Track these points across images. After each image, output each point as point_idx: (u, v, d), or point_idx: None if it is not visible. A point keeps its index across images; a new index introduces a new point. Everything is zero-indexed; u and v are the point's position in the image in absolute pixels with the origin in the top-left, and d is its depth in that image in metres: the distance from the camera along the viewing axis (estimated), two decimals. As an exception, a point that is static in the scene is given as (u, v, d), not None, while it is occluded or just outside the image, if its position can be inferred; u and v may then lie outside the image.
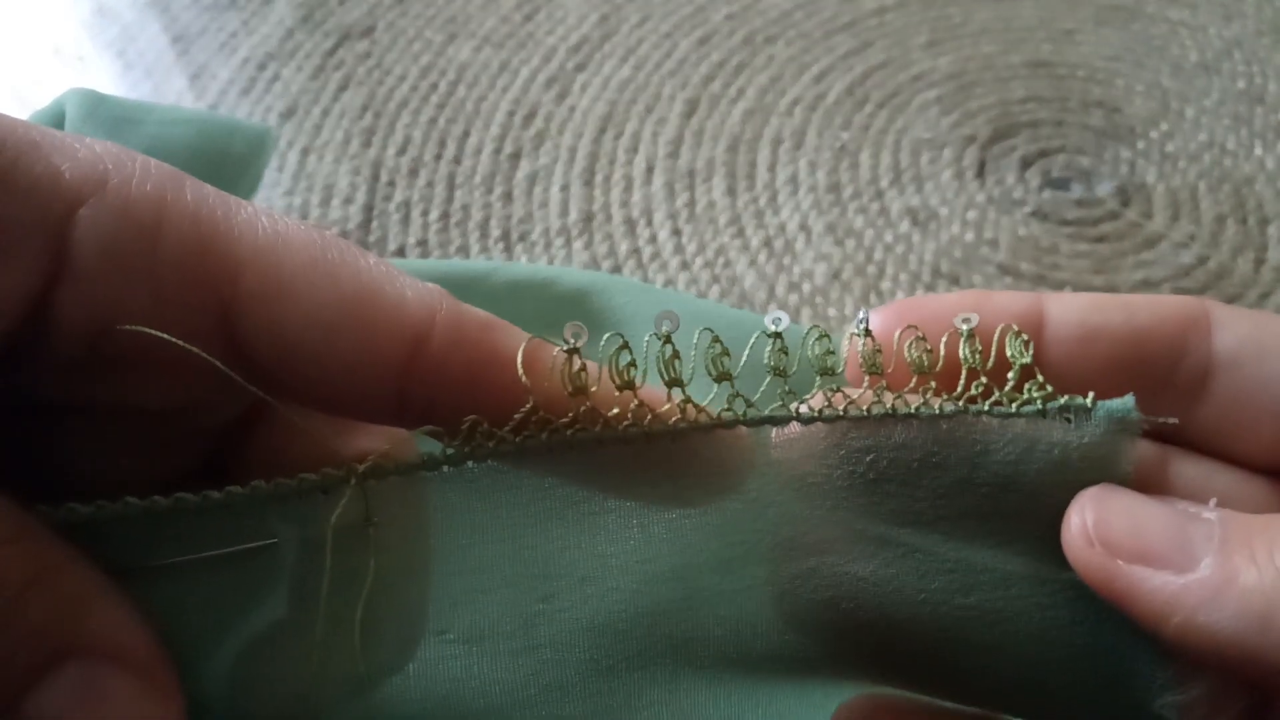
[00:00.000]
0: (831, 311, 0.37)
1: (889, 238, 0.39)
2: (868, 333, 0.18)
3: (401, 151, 0.43)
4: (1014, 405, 0.18)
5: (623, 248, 0.39)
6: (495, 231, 0.40)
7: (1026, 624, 0.17)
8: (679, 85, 0.45)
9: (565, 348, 0.17)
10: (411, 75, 0.46)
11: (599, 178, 0.42)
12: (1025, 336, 0.18)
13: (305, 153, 0.43)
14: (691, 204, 0.41)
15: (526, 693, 0.18)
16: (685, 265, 0.39)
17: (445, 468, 0.17)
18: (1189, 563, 0.16)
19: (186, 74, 0.47)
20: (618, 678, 0.18)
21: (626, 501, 0.18)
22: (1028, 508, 0.18)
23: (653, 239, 0.40)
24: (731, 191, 0.41)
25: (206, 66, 0.47)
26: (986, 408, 0.18)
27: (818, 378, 0.18)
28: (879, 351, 0.18)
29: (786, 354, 0.18)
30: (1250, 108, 0.44)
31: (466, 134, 0.44)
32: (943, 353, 0.18)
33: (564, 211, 0.41)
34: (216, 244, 0.16)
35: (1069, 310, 0.19)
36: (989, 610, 0.17)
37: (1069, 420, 0.18)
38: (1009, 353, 0.18)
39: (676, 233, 0.40)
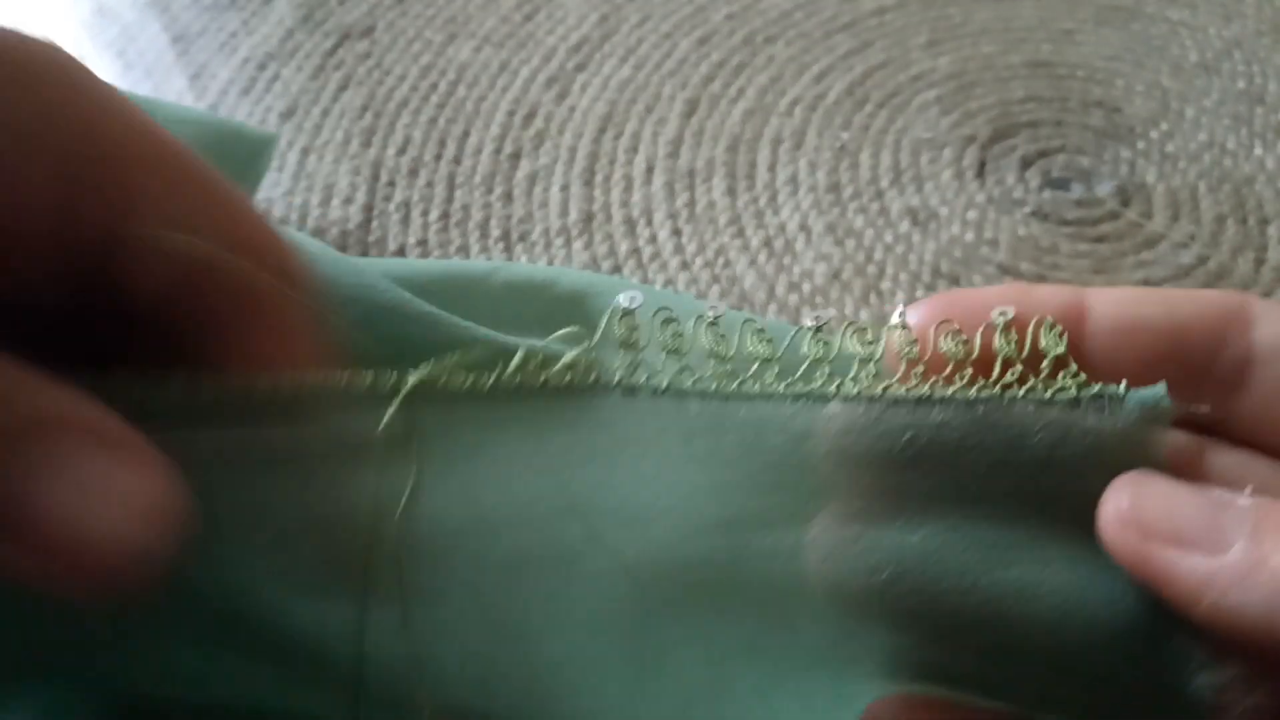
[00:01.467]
0: (831, 312, 0.37)
1: (889, 238, 0.39)
2: (905, 325, 0.19)
3: (401, 151, 0.43)
4: (1048, 393, 0.18)
5: (623, 248, 0.39)
6: (495, 231, 0.40)
7: (1064, 600, 0.18)
8: (679, 85, 0.45)
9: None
10: (411, 75, 0.46)
11: (599, 178, 0.42)
12: (1059, 328, 0.19)
13: (305, 153, 0.43)
14: (691, 204, 0.41)
15: (563, 624, 0.18)
16: (685, 265, 0.39)
17: (496, 394, 0.18)
18: (1221, 546, 0.16)
19: (186, 74, 0.47)
20: (654, 625, 0.18)
21: (675, 451, 0.18)
22: (1065, 490, 0.18)
23: (653, 239, 0.40)
24: (731, 191, 0.41)
25: (206, 66, 0.47)
26: (1021, 394, 0.18)
27: (856, 364, 0.19)
28: (915, 341, 0.19)
29: (827, 344, 0.19)
30: (1250, 108, 0.44)
31: (466, 134, 0.44)
32: (978, 344, 0.19)
33: (564, 211, 0.41)
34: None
35: (1110, 304, 0.19)
36: (1028, 585, 0.18)
37: (1102, 408, 0.18)
38: (1043, 343, 0.19)
39: (676, 233, 0.40)
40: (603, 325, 0.19)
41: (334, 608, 0.18)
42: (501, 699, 0.19)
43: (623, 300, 0.19)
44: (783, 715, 0.20)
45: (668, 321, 0.19)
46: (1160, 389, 0.18)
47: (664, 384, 0.19)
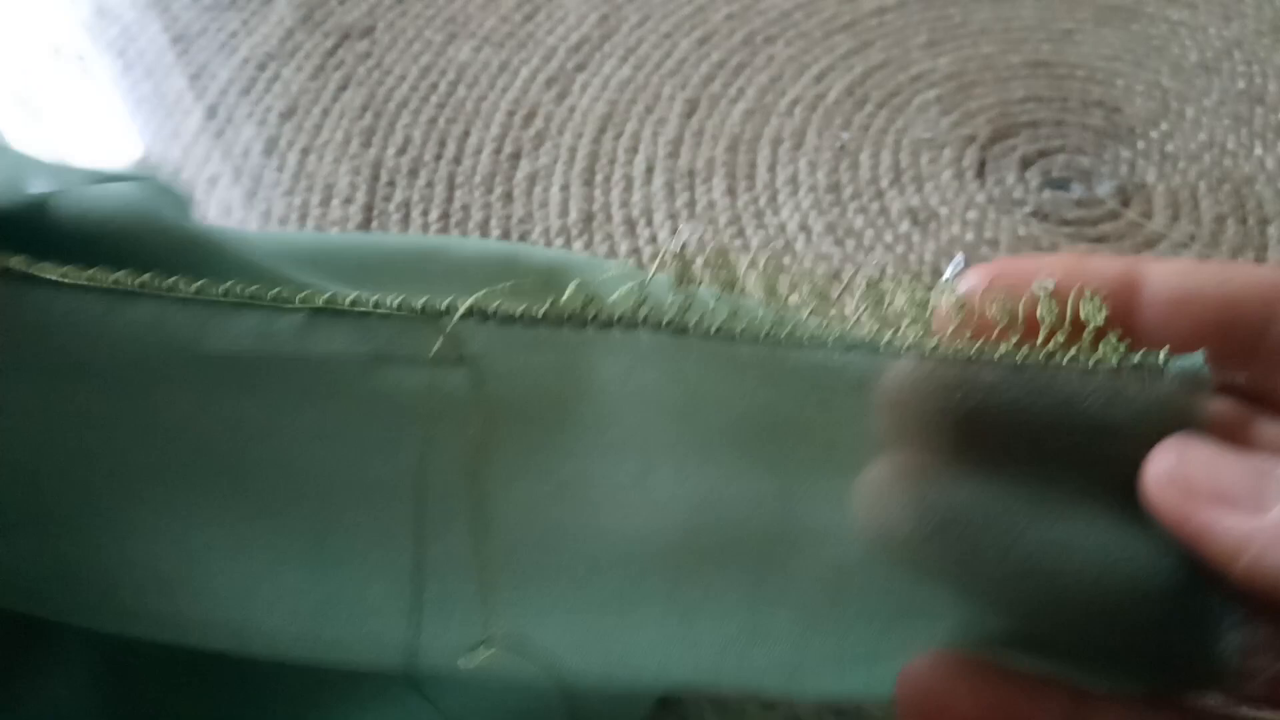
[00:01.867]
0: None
1: (889, 238, 0.39)
2: (956, 287, 0.19)
3: (401, 151, 0.43)
4: (1091, 361, 0.19)
5: (623, 248, 0.39)
6: (495, 231, 0.40)
7: (1104, 558, 0.18)
8: (679, 85, 0.45)
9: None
10: (411, 75, 0.46)
11: (599, 178, 0.42)
12: (1099, 300, 0.19)
13: (305, 153, 0.43)
14: (691, 204, 0.41)
15: (613, 560, 0.18)
16: (685, 265, 0.39)
17: (547, 321, 0.18)
18: (1262, 507, 0.16)
19: (186, 74, 0.47)
20: (698, 568, 0.18)
21: (725, 392, 0.19)
22: (1110, 455, 0.18)
23: (653, 239, 0.40)
24: (731, 191, 0.41)
25: (206, 66, 0.47)
26: (1064, 362, 0.19)
27: (905, 321, 0.19)
28: (964, 303, 0.19)
29: (878, 298, 0.19)
30: (1250, 108, 0.44)
31: (466, 134, 0.44)
32: (1022, 312, 0.19)
33: (564, 211, 0.41)
34: None
35: (1164, 275, 0.19)
36: (1070, 541, 0.18)
37: (1143, 377, 0.19)
38: (1083, 314, 0.19)
39: (676, 233, 0.40)
40: (656, 264, 0.19)
41: (388, 538, 0.18)
42: (556, 632, 0.19)
43: (681, 236, 0.19)
44: (817, 666, 0.20)
45: (721, 264, 0.19)
46: (1198, 358, 0.18)
47: (714, 326, 0.19)
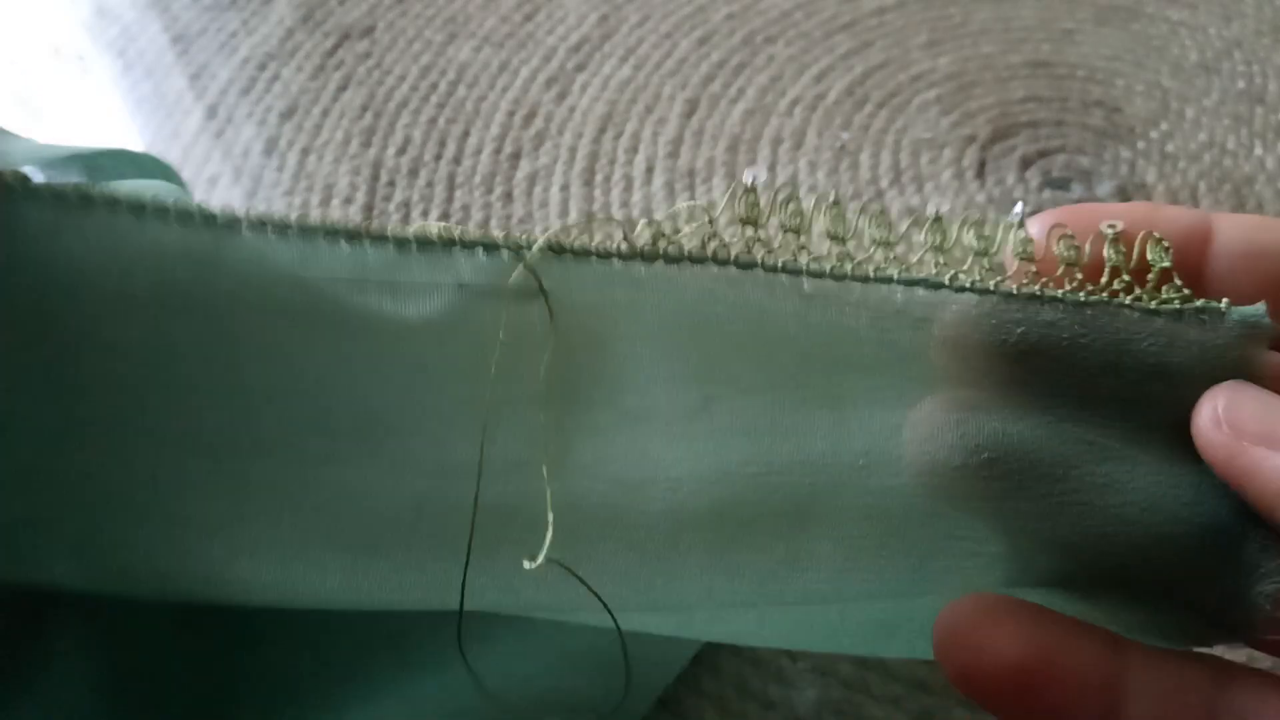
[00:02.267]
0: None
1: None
2: (1022, 224, 0.20)
3: (401, 151, 0.43)
4: (1154, 303, 0.19)
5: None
6: (495, 231, 0.40)
7: (1148, 497, 0.18)
8: (679, 85, 0.45)
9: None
10: (411, 75, 0.46)
11: (599, 178, 0.42)
12: (1166, 243, 0.19)
13: (305, 153, 0.43)
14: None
15: (674, 480, 0.19)
16: (685, 265, 0.39)
17: (624, 262, 0.19)
18: None
19: (186, 74, 0.47)
20: (748, 492, 0.19)
21: (788, 326, 0.19)
22: (1166, 397, 0.19)
23: (653, 239, 0.40)
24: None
25: (206, 66, 0.47)
26: (1128, 302, 0.19)
27: (971, 258, 0.19)
28: (1030, 241, 0.19)
29: (944, 234, 0.20)
30: (1250, 108, 0.44)
31: (466, 134, 0.44)
32: (1088, 251, 0.19)
33: (564, 211, 0.41)
34: None
35: (1236, 228, 0.20)
36: (1116, 480, 0.18)
37: (1204, 322, 0.19)
38: (1149, 256, 0.19)
39: (677, 232, 0.40)
40: (723, 201, 0.20)
41: (455, 465, 0.19)
42: (605, 559, 0.19)
43: (746, 177, 0.20)
44: (855, 597, 0.20)
45: (788, 200, 0.20)
46: (1260, 307, 0.19)
47: (779, 261, 0.19)
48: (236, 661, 0.24)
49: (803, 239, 0.20)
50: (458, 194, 0.41)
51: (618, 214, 0.41)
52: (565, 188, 0.42)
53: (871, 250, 0.20)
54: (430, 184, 0.42)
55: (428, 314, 0.18)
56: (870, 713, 0.27)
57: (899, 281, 0.20)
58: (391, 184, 0.42)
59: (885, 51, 0.47)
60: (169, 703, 0.23)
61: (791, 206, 0.20)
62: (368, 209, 0.41)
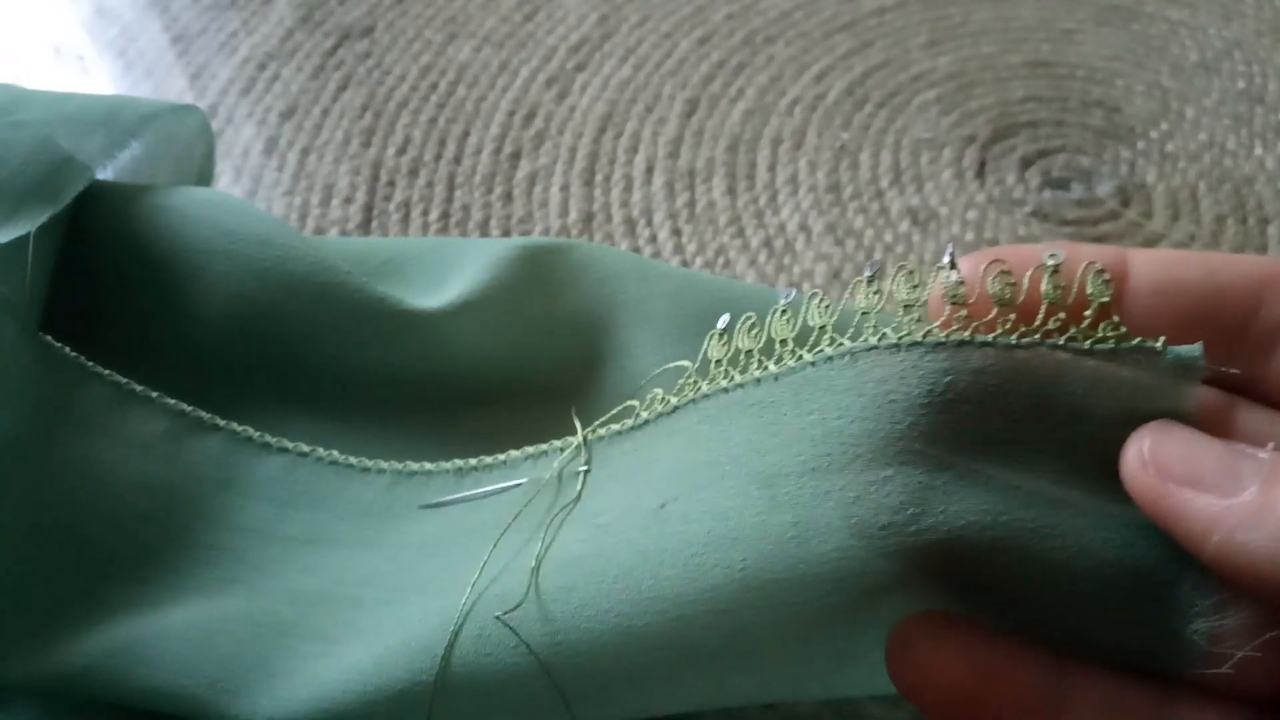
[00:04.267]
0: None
1: (889, 238, 0.39)
2: (954, 266, 0.19)
3: (401, 151, 0.43)
4: (1088, 342, 0.19)
5: (623, 247, 0.39)
6: (495, 231, 0.40)
7: (1079, 541, 0.18)
8: (679, 85, 0.45)
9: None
10: (411, 75, 0.46)
11: (599, 178, 0.42)
12: (1107, 275, 0.19)
13: (305, 153, 0.43)
14: (691, 204, 0.41)
15: (638, 561, 0.21)
16: (685, 265, 0.39)
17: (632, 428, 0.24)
18: (1235, 489, 0.16)
19: (186, 74, 0.47)
20: (706, 570, 0.20)
21: (736, 423, 0.21)
22: (1095, 440, 0.19)
23: (653, 239, 0.40)
24: (731, 191, 0.41)
25: (206, 66, 0.47)
26: (1062, 342, 0.19)
27: (900, 310, 0.20)
28: (962, 284, 0.19)
29: (879, 293, 0.20)
30: (1250, 108, 0.44)
31: (466, 134, 0.44)
32: (1025, 287, 0.19)
33: (564, 211, 0.41)
34: None
35: (1151, 265, 0.20)
36: (1044, 525, 0.18)
37: (1138, 361, 0.19)
38: (1089, 290, 0.19)
39: (676, 233, 0.40)
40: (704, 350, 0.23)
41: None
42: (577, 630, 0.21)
43: (720, 324, 0.23)
44: (804, 660, 0.22)
45: (725, 333, 0.23)
46: (1197, 348, 0.18)
47: (732, 383, 0.22)
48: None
49: (764, 356, 0.22)
50: (458, 194, 0.41)
51: (617, 214, 0.41)
52: (565, 188, 0.42)
53: (813, 337, 0.21)
54: (430, 184, 0.42)
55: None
56: (870, 712, 0.27)
57: (831, 359, 0.20)
58: (391, 184, 0.42)
59: (885, 51, 0.47)
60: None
61: (727, 341, 0.23)
62: (368, 209, 0.41)
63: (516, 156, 0.43)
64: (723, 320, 0.23)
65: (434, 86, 0.46)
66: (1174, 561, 0.18)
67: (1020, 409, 0.19)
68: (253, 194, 0.42)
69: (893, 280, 0.20)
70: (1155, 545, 0.18)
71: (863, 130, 0.43)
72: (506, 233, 0.40)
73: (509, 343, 0.27)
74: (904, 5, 0.49)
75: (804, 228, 0.40)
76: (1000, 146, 0.43)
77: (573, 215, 0.41)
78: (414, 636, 0.22)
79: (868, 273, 0.20)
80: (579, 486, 0.23)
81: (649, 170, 0.42)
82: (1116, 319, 0.19)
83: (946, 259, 0.19)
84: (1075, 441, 0.19)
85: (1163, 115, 0.44)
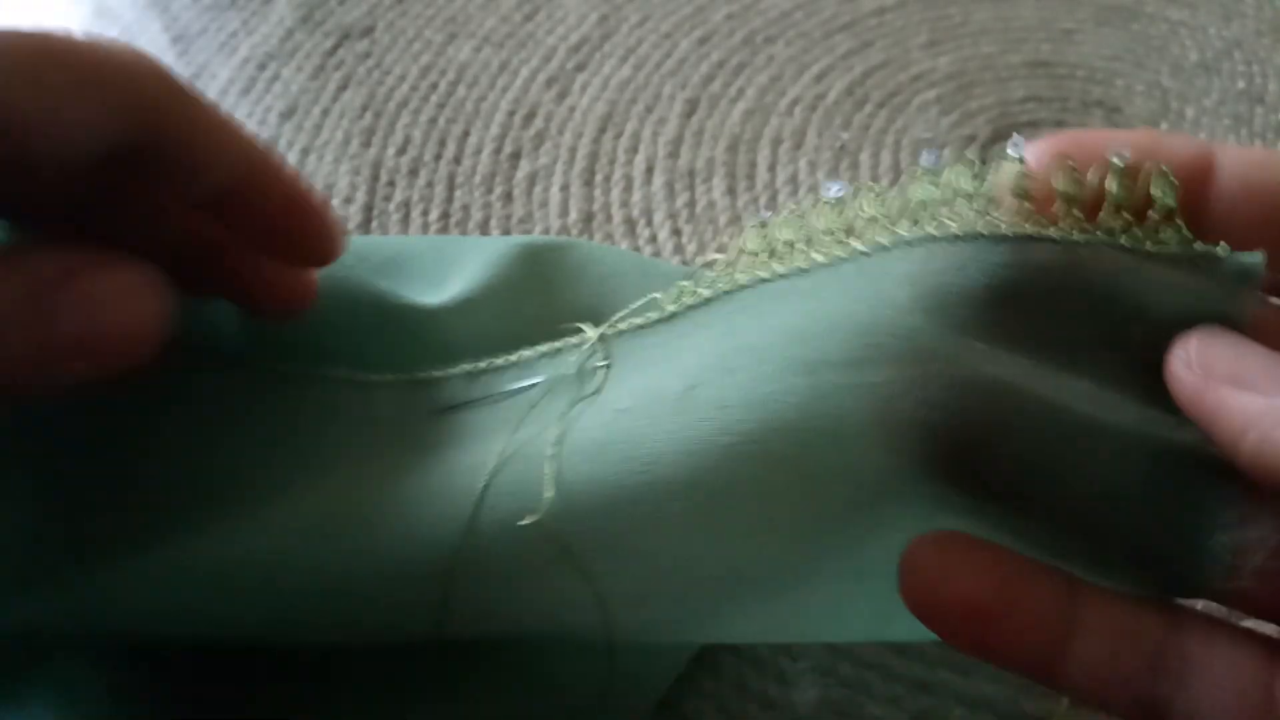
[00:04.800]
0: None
1: (889, 238, 0.40)
2: (1021, 159, 0.19)
3: (401, 151, 0.43)
4: (1149, 244, 0.18)
5: (623, 247, 0.39)
6: (495, 231, 0.40)
7: (1114, 446, 0.18)
8: (679, 85, 0.45)
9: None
10: (411, 75, 0.46)
11: (599, 178, 0.42)
12: (1172, 178, 0.18)
13: (305, 153, 0.43)
14: (691, 204, 0.41)
15: (664, 446, 0.20)
16: (685, 264, 0.39)
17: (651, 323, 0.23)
18: (1277, 389, 0.16)
19: (186, 74, 0.47)
20: (730, 465, 0.19)
21: (766, 309, 0.21)
22: (1145, 344, 0.18)
23: (653, 239, 0.40)
24: (731, 191, 0.41)
25: (206, 66, 0.47)
26: (1124, 242, 0.18)
27: (961, 200, 0.19)
28: (1027, 176, 0.19)
29: (936, 185, 0.19)
30: (1250, 108, 0.44)
31: (466, 134, 0.44)
32: (1091, 183, 0.19)
33: (564, 211, 0.41)
34: None
35: (1238, 162, 0.19)
36: (1084, 431, 0.18)
37: (1198, 266, 0.18)
38: (1154, 192, 0.18)
39: (676, 232, 0.40)
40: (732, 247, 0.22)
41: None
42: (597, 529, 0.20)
43: (756, 217, 0.22)
44: (830, 556, 0.21)
45: (762, 225, 0.22)
46: (1258, 256, 0.18)
47: (774, 273, 0.21)
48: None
49: (799, 247, 0.21)
50: (458, 194, 0.41)
51: (617, 214, 0.41)
52: (565, 188, 0.42)
53: (865, 226, 0.21)
54: (430, 184, 0.42)
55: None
56: (870, 712, 0.27)
57: (885, 249, 0.20)
58: (391, 184, 0.42)
59: (885, 51, 0.47)
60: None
61: (765, 232, 0.21)
62: (368, 209, 0.41)
63: (516, 156, 0.43)
64: (763, 215, 0.22)
65: (434, 86, 0.46)
66: (1205, 473, 0.18)
67: (1076, 308, 0.18)
68: (253, 194, 0.42)
69: (953, 173, 0.20)
70: (1189, 456, 0.18)
71: (863, 130, 0.43)
72: (506, 232, 0.40)
73: (509, 340, 0.27)
74: (904, 5, 0.49)
75: (804, 228, 0.40)
76: (1000, 146, 0.43)
77: (573, 215, 0.41)
78: (429, 523, 0.21)
79: (926, 163, 0.20)
80: (600, 381, 0.22)
81: (649, 170, 0.42)
82: (1180, 223, 0.18)
83: (1012, 150, 0.19)
84: (1126, 344, 0.19)
85: (1163, 115, 0.44)
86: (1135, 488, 0.18)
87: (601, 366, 0.23)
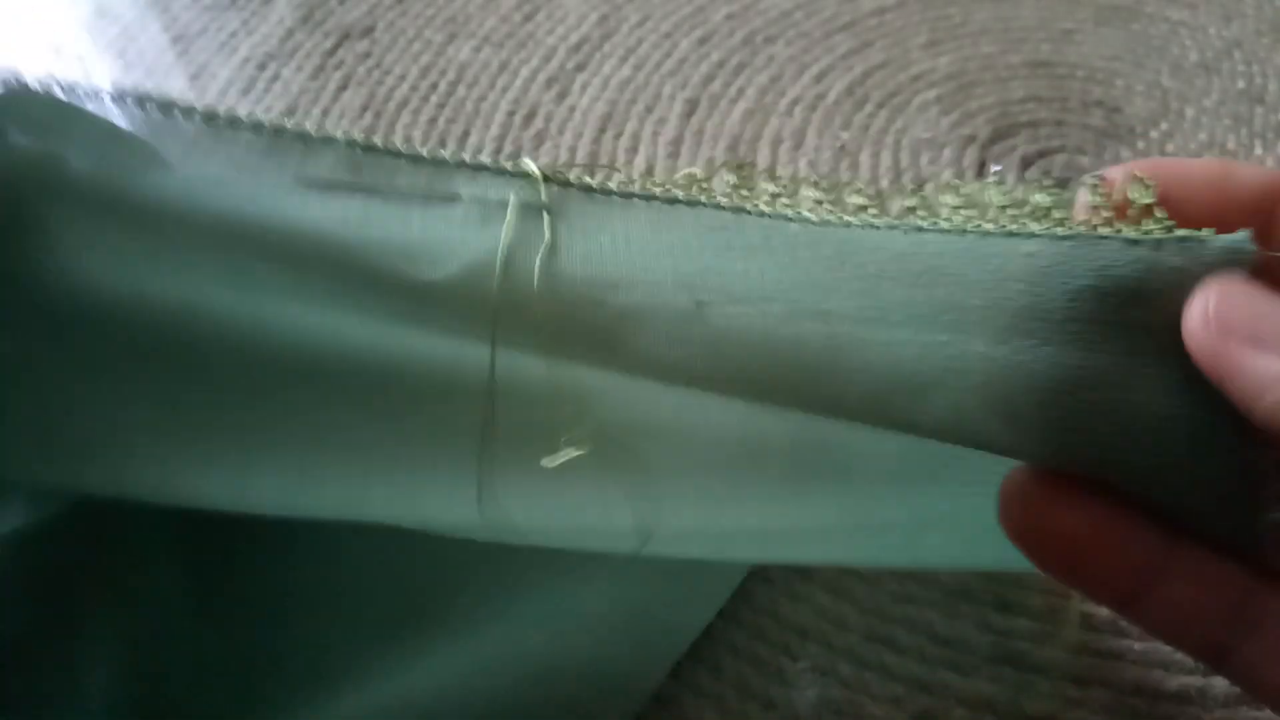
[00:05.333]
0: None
1: (889, 238, 0.40)
2: (1001, 180, 0.20)
3: (401, 151, 0.43)
4: (1136, 234, 0.19)
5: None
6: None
7: (1147, 415, 0.19)
8: (679, 85, 0.45)
9: None
10: (411, 75, 0.46)
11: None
12: (1151, 183, 0.19)
13: (305, 153, 0.43)
14: (691, 204, 0.41)
15: (684, 370, 0.19)
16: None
17: (622, 199, 0.21)
18: None
19: (186, 74, 0.47)
20: (741, 394, 0.19)
21: (782, 255, 0.20)
22: (1151, 321, 0.19)
23: (653, 239, 0.40)
24: (731, 191, 0.41)
25: (206, 66, 0.47)
26: (1108, 232, 0.19)
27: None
28: (1105, 191, 0.20)
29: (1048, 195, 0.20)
30: (1250, 108, 0.44)
31: (466, 134, 0.44)
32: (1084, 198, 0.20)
33: (564, 211, 0.41)
34: None
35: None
36: (1106, 401, 0.19)
37: (1188, 250, 0.19)
38: (1130, 195, 0.19)
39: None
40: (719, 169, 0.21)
41: (467, 349, 0.20)
42: (619, 433, 0.20)
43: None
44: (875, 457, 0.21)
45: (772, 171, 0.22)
46: (1243, 234, 0.18)
47: (765, 209, 0.21)
48: (263, 643, 0.25)
49: (789, 200, 0.21)
50: (458, 194, 0.41)
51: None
52: (565, 188, 0.42)
53: (855, 202, 0.22)
54: (430, 184, 0.42)
55: (456, 229, 0.21)
56: (871, 712, 0.27)
57: (881, 228, 0.21)
58: (391, 184, 0.42)
59: (885, 51, 0.47)
60: (199, 688, 0.24)
61: (779, 179, 0.21)
62: (368, 209, 0.41)
63: (516, 156, 0.43)
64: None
65: (434, 86, 0.46)
66: (1235, 438, 0.18)
67: (1074, 289, 0.19)
68: (253, 194, 0.42)
69: (1025, 189, 0.21)
70: (1215, 408, 0.18)
71: (863, 130, 0.43)
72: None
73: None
74: (904, 5, 0.49)
75: (804, 228, 0.40)
76: (1000, 146, 0.43)
77: (573, 215, 0.41)
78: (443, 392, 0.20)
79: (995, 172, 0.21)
80: (545, 231, 0.20)
81: (649, 170, 0.42)
82: (1162, 214, 0.19)
83: (993, 176, 0.20)
84: (1131, 324, 0.19)
85: (1163, 115, 0.44)
86: (1172, 431, 0.18)
87: (546, 210, 0.21)
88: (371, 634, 0.25)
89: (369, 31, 0.48)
